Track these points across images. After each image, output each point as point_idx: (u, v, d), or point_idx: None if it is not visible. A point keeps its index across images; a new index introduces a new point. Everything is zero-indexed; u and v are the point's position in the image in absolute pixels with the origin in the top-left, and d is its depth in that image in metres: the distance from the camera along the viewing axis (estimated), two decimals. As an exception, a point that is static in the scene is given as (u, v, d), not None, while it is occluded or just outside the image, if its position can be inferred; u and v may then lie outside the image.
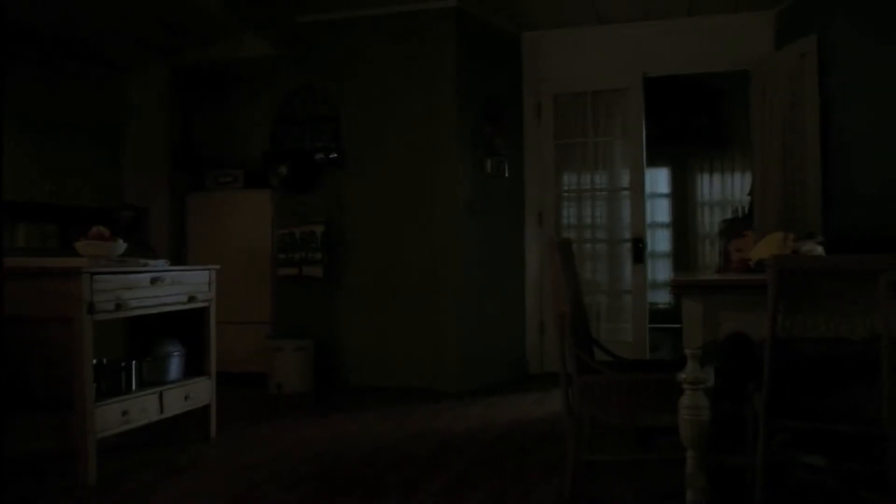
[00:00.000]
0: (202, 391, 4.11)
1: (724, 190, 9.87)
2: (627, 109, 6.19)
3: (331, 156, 5.77)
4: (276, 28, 5.91)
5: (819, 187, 5.13)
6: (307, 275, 5.82)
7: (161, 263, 3.85)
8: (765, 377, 2.46)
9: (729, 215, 8.98)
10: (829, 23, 5.09)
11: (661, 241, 10.11)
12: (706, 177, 9.96)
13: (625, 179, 6.29)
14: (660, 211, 10.20)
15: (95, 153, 6.30)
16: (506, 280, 6.17)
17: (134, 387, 3.70)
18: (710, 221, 9.89)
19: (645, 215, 6.23)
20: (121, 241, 3.64)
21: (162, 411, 3.79)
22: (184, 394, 3.95)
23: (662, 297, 9.19)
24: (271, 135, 6.00)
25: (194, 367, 4.11)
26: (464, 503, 3.05)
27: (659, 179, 10.17)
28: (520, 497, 3.12)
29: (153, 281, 3.71)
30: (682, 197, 10.10)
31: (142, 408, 3.65)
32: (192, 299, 4.00)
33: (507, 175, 6.06)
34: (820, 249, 2.98)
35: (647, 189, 6.42)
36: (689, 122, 9.22)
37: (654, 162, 9.17)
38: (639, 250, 6.14)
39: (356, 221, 5.86)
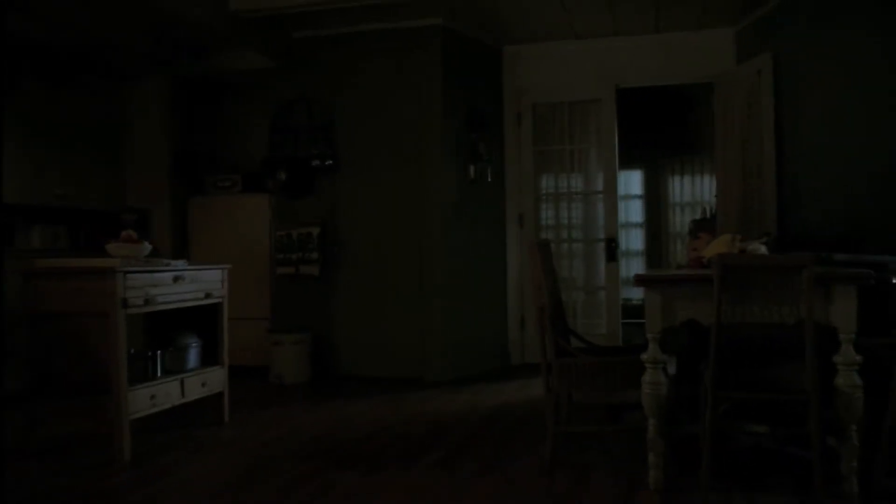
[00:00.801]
0: (217, 379, 4.53)
1: (694, 191, 10.40)
2: (601, 118, 6.67)
3: (326, 162, 6.20)
4: (273, 43, 6.32)
5: (774, 191, 5.64)
6: (304, 273, 6.24)
7: (181, 263, 4.26)
8: (712, 356, 2.93)
9: (698, 215, 9.50)
10: (782, 42, 5.60)
11: (634, 240, 10.65)
12: (677, 179, 10.48)
13: (599, 183, 6.76)
14: (633, 211, 10.74)
15: (100, 159, 6.68)
16: (489, 278, 6.62)
17: (159, 374, 4.11)
18: (680, 221, 10.41)
19: (618, 216, 6.70)
20: (146, 244, 4.05)
21: (183, 396, 4.21)
22: (201, 381, 4.37)
23: (636, 294, 9.68)
24: (269, 142, 6.41)
25: (209, 358, 4.53)
26: (458, 471, 3.50)
27: (632, 181, 10.71)
28: (507, 464, 3.58)
29: (175, 279, 4.13)
30: (654, 198, 10.62)
31: (166, 393, 4.06)
32: (208, 295, 4.42)
33: (489, 180, 6.51)
34: (763, 248, 3.46)
35: (622, 191, 6.93)
36: (660, 127, 9.76)
37: (627, 165, 9.73)
38: (612, 249, 6.63)
39: (349, 223, 6.28)
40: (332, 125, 6.29)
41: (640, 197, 10.72)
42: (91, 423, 3.87)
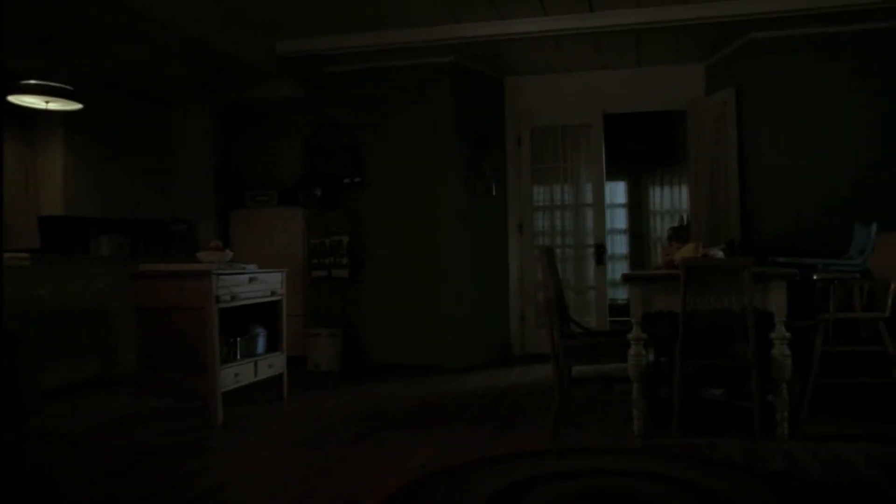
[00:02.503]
0: (278, 362, 5.50)
1: (673, 201, 11.46)
2: (590, 140, 7.68)
3: (354, 179, 7.17)
4: (306, 76, 7.28)
5: (738, 204, 6.66)
6: (335, 276, 7.20)
7: (252, 267, 5.22)
8: (679, 334, 3.94)
9: (676, 223, 10.53)
10: (742, 79, 6.64)
11: (619, 245, 11.70)
12: (658, 189, 11.55)
13: (588, 196, 7.76)
14: (619, 219, 11.79)
15: (152, 177, 7.63)
16: (493, 278, 7.61)
17: (238, 357, 5.07)
18: (661, 227, 11.47)
19: (605, 225, 7.71)
20: (229, 251, 5.01)
21: (256, 375, 5.17)
22: (268, 363, 5.34)
23: (622, 294, 10.71)
24: (305, 162, 7.36)
25: (271, 345, 5.49)
26: (483, 428, 4.49)
27: (618, 192, 11.77)
28: (522, 424, 4.57)
29: (250, 280, 5.09)
30: (637, 207, 11.68)
31: (245, 372, 5.02)
32: (273, 293, 5.39)
33: (493, 193, 7.50)
34: (721, 254, 4.47)
35: (608, 200, 7.89)
36: (643, 142, 10.79)
37: (613, 176, 10.78)
38: (600, 254, 7.63)
39: (374, 232, 7.24)
40: (358, 147, 7.25)
41: (624, 206, 11.77)
42: (188, 397, 4.83)
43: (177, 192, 7.84)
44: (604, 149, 7.63)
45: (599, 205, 7.68)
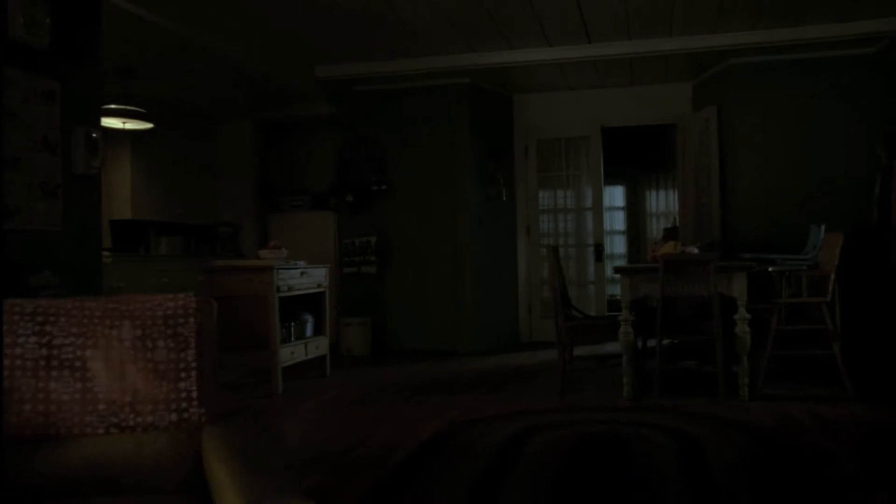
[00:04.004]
0: (323, 344, 6.45)
1: (668, 204, 12.38)
2: (590, 150, 8.62)
3: (381, 187, 8.12)
4: (339, 95, 8.23)
5: (718, 208, 7.60)
6: (364, 272, 8.15)
7: (302, 263, 6.17)
8: (658, 315, 4.89)
9: (670, 224, 11.46)
10: (723, 98, 7.58)
11: (618, 245, 12.63)
12: (653, 193, 12.47)
13: (588, 200, 8.71)
14: (617, 221, 12.71)
15: (201, 185, 8.59)
16: (504, 274, 8.55)
17: (292, 338, 6.02)
18: (656, 228, 12.38)
19: (603, 226, 8.65)
20: (284, 250, 5.96)
21: (306, 354, 6.13)
22: (315, 345, 6.29)
23: (618, 291, 11.62)
24: (337, 171, 8.32)
25: (317, 330, 6.44)
26: (502, 393, 5.43)
27: (616, 195, 12.69)
28: (533, 391, 5.51)
29: (301, 274, 6.05)
30: (634, 209, 12.61)
31: (298, 351, 5.98)
32: (318, 286, 6.34)
33: (504, 198, 8.45)
34: (696, 250, 5.41)
35: (607, 203, 8.80)
36: (640, 149, 11.72)
37: (613, 182, 11.76)
38: (599, 252, 8.57)
39: (398, 233, 8.19)
40: (385, 158, 8.20)
41: (622, 208, 12.70)
42: (254, 371, 5.79)
43: (223, 198, 8.81)
44: (602, 158, 8.57)
45: (598, 208, 8.62)
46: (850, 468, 3.43)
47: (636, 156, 11.76)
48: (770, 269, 5.21)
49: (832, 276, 4.92)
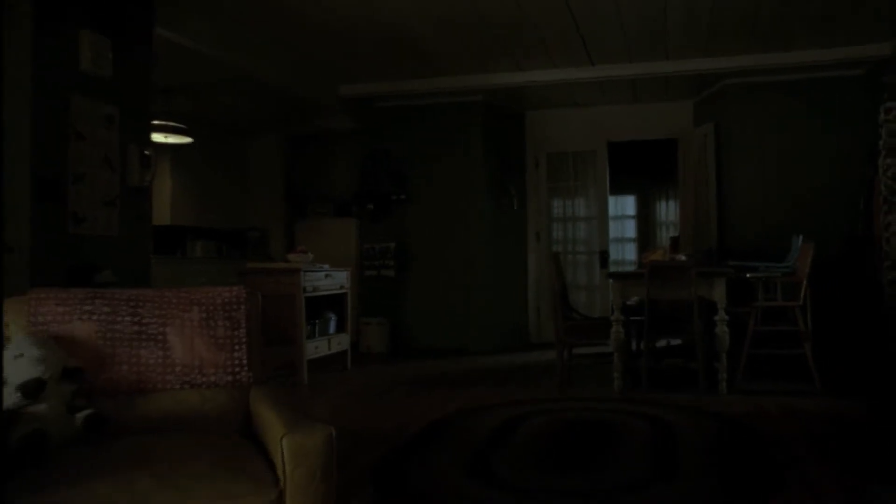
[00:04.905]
0: (344, 341, 7.05)
1: (676, 213, 12.83)
2: (596, 164, 9.16)
3: (400, 196, 8.72)
4: (361, 111, 8.85)
5: (716, 218, 8.10)
6: (384, 275, 8.74)
7: (326, 267, 6.77)
8: (646, 317, 5.42)
9: (677, 233, 11.95)
10: (720, 115, 8.09)
11: (629, 252, 13.13)
12: (663, 203, 12.97)
13: (594, 210, 9.24)
14: (628, 229, 13.23)
15: (233, 193, 9.24)
16: (514, 278, 9.11)
17: (317, 335, 6.62)
18: (666, 236, 12.87)
19: (608, 235, 9.19)
20: (310, 254, 6.57)
21: (329, 349, 6.72)
22: (337, 341, 6.89)
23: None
24: (359, 182, 8.93)
25: (339, 327, 7.04)
26: (507, 387, 5.99)
27: (628, 204, 13.21)
28: (536, 385, 6.06)
29: (325, 276, 6.65)
30: (644, 218, 13.11)
31: (322, 346, 6.58)
32: (341, 287, 6.95)
33: (515, 208, 9.01)
34: (683, 258, 5.94)
35: (619, 212, 9.34)
36: (650, 162, 12.22)
37: (624, 191, 12.28)
38: (604, 259, 9.10)
39: (416, 240, 8.77)
40: (403, 169, 8.79)
41: (633, 217, 13.21)
42: (282, 364, 6.39)
43: (252, 205, 9.46)
44: (607, 171, 9.11)
45: (603, 218, 9.16)
46: (798, 449, 3.95)
47: (646, 168, 12.26)
48: (748, 275, 5.72)
49: (804, 282, 5.43)
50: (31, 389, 2.03)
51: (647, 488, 3.32)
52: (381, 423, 4.77)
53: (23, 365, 2.07)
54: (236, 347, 2.43)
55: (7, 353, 2.10)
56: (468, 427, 4.52)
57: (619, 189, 12.10)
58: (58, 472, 1.82)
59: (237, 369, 2.42)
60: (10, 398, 2.01)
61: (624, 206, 13.10)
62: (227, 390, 2.39)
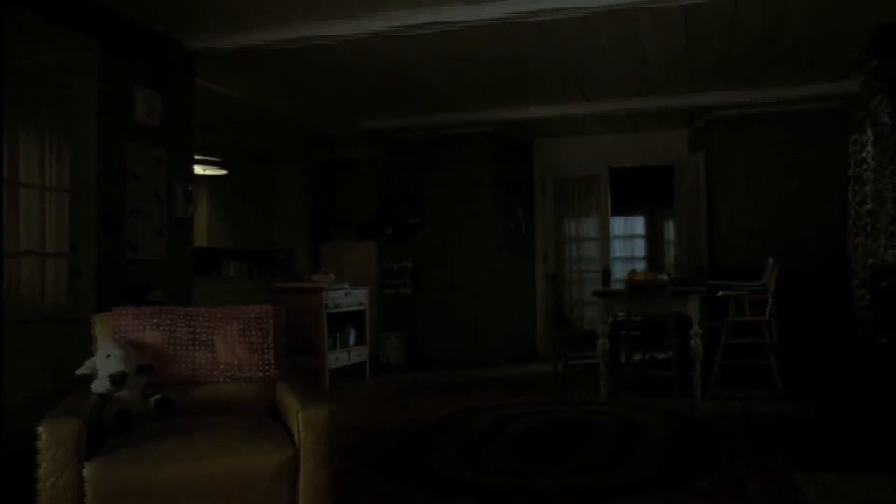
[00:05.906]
0: (363, 352, 7.79)
1: (683, 232, 13.45)
2: (599, 189, 9.84)
3: (416, 220, 9.47)
4: (379, 141, 9.63)
5: (707, 238, 8.74)
6: (401, 293, 9.49)
7: (346, 286, 7.52)
8: (627, 331, 6.10)
9: (683, 251, 12.54)
10: (710, 145, 8.75)
11: (639, 269, 13.72)
12: (669, 223, 13.56)
13: (597, 231, 9.91)
14: (638, 247, 13.85)
15: (261, 217, 10.06)
16: (522, 296, 9.80)
17: (338, 346, 7.37)
18: (672, 255, 13.45)
19: (609, 254, 9.85)
20: (332, 275, 7.33)
21: (349, 360, 7.47)
22: (356, 352, 7.64)
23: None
24: (379, 206, 9.70)
25: (359, 340, 7.78)
26: (508, 391, 6.68)
27: (637, 225, 13.84)
28: (535, 391, 6.75)
29: (346, 294, 7.41)
30: (653, 238, 13.73)
31: (342, 356, 7.32)
32: (360, 304, 7.70)
33: (523, 230, 9.71)
34: (664, 277, 6.60)
35: (629, 231, 10.02)
36: (656, 185, 12.84)
37: (634, 212, 12.94)
38: (606, 277, 9.75)
39: (430, 260, 9.51)
40: (418, 195, 9.55)
41: (642, 237, 13.84)
42: (306, 372, 7.15)
43: (279, 228, 10.28)
44: (609, 195, 9.79)
45: (605, 238, 9.83)
46: (743, 442, 4.60)
47: (652, 190, 12.89)
48: (719, 293, 6.38)
49: (769, 299, 6.07)
50: (118, 380, 2.79)
51: (605, 469, 4.01)
52: (390, 419, 5.49)
53: (111, 362, 2.83)
54: (266, 351, 3.17)
55: (99, 353, 2.88)
56: (466, 424, 5.23)
57: (628, 210, 12.75)
58: (141, 436, 2.58)
59: (267, 367, 3.16)
60: (104, 385, 2.78)
61: (633, 226, 13.73)
62: (259, 383, 3.14)
